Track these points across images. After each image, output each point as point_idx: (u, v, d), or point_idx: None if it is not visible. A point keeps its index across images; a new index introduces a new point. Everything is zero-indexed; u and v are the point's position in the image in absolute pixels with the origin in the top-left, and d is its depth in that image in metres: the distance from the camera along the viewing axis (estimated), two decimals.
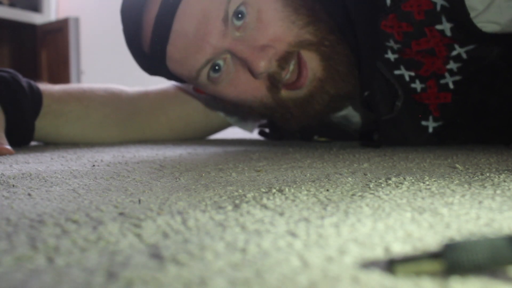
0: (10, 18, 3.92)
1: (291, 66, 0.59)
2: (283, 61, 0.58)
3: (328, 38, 0.59)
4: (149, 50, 0.61)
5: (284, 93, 0.60)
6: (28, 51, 4.14)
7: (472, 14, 0.52)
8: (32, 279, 0.15)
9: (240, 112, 0.72)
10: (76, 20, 3.97)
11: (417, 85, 0.61)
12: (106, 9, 3.68)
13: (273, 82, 0.59)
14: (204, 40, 0.57)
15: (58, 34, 4.00)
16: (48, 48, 4.10)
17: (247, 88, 0.60)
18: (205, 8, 0.56)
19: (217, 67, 0.59)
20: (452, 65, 0.58)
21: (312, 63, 0.59)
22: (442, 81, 0.60)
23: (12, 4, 3.95)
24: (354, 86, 0.62)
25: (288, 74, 0.59)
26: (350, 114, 0.72)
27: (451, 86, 0.60)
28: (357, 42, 0.60)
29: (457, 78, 0.59)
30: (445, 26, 0.55)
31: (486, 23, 0.53)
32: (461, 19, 0.53)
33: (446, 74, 0.59)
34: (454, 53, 0.57)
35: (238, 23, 0.57)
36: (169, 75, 0.66)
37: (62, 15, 4.15)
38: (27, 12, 4.05)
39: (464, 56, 0.57)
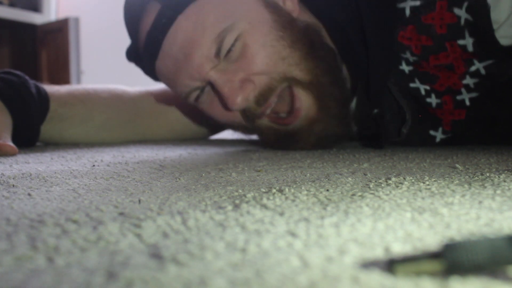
0: (10, 18, 3.92)
1: (273, 103, 0.57)
2: (261, 97, 0.56)
3: (321, 80, 0.57)
4: (142, 57, 0.62)
5: (265, 121, 0.59)
6: (28, 51, 4.13)
7: (494, 27, 0.50)
8: (32, 279, 0.15)
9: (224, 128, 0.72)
10: (76, 20, 3.97)
11: (433, 100, 0.59)
12: (106, 9, 3.68)
13: (248, 115, 0.58)
14: (194, 69, 0.56)
15: (58, 34, 4.00)
16: (48, 48, 4.10)
17: (223, 114, 0.60)
18: (196, 38, 0.55)
19: (200, 91, 0.60)
20: (468, 81, 0.56)
21: (306, 101, 0.57)
22: (459, 98, 0.58)
23: (12, 4, 3.95)
24: (344, 128, 0.61)
25: (268, 109, 0.57)
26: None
27: (467, 103, 0.58)
28: (368, 56, 0.57)
29: (473, 95, 0.57)
30: (468, 41, 0.52)
31: (505, 38, 0.51)
32: (484, 34, 0.51)
33: (463, 90, 0.57)
34: (473, 68, 0.55)
35: (223, 54, 0.56)
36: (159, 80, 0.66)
37: (62, 15, 4.15)
38: (27, 12, 4.05)
39: (483, 71, 0.55)
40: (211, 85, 0.58)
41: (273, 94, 0.56)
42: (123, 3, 0.65)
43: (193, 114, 0.80)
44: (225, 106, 0.58)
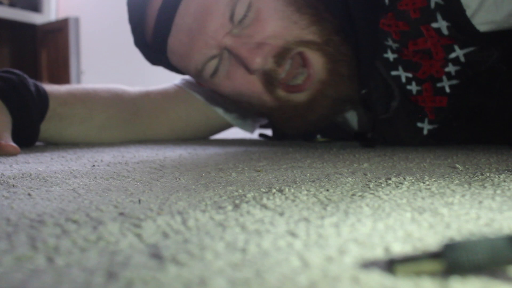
0: (10, 18, 3.92)
1: (287, 65, 0.58)
2: (279, 57, 0.58)
3: (333, 39, 0.59)
4: (151, 41, 0.63)
5: (282, 93, 0.60)
6: (28, 51, 4.13)
7: (468, 13, 0.52)
8: (32, 279, 0.15)
9: (239, 108, 0.72)
10: (76, 20, 3.97)
11: (413, 87, 0.60)
12: (106, 9, 3.68)
13: (269, 79, 0.59)
14: (210, 36, 0.57)
15: (58, 34, 4.00)
16: (48, 48, 4.10)
17: (243, 82, 0.61)
18: (209, 5, 0.57)
19: (216, 63, 0.60)
20: (450, 68, 0.57)
21: (317, 64, 0.58)
22: (439, 85, 0.59)
23: (12, 4, 3.95)
24: (355, 90, 0.62)
25: (284, 73, 0.59)
26: (353, 114, 0.72)
27: (447, 90, 0.59)
28: (357, 40, 0.59)
29: (454, 82, 0.59)
30: (441, 24, 0.54)
31: (483, 24, 0.52)
32: (457, 17, 0.53)
33: (444, 78, 0.59)
34: (453, 55, 0.56)
35: (237, 18, 0.57)
36: (170, 67, 0.67)
37: (62, 15, 4.15)
38: (27, 12, 4.05)
39: (462, 59, 0.56)
40: (229, 51, 0.59)
41: (289, 55, 0.58)
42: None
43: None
44: (246, 68, 0.59)
